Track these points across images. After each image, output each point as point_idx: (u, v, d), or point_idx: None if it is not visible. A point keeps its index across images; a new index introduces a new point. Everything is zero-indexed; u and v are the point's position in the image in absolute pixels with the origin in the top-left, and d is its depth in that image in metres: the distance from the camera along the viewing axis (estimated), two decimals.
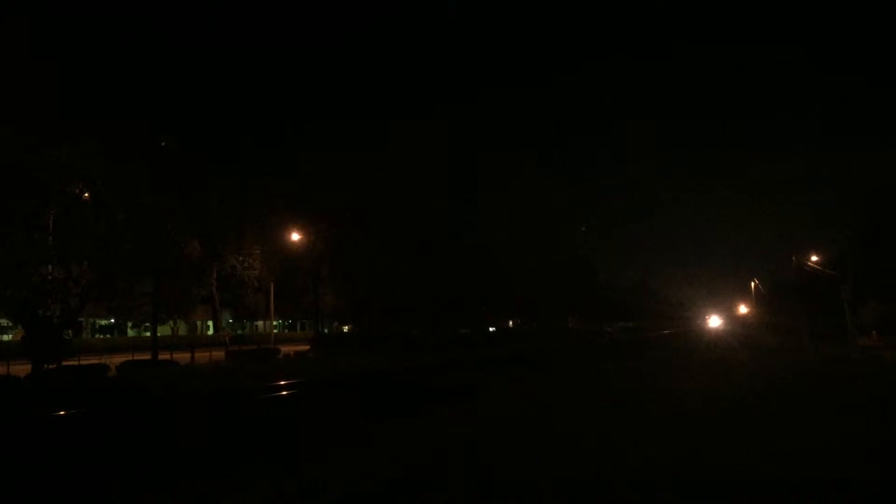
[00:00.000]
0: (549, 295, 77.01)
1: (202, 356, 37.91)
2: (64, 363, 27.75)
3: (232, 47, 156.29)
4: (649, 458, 8.82)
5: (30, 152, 25.48)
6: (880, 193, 53.31)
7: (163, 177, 35.55)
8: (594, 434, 11.01)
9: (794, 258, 58.01)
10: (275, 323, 58.36)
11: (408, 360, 32.98)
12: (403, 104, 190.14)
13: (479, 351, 41.71)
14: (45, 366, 26.55)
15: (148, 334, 43.87)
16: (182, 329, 62.63)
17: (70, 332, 30.18)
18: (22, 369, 26.82)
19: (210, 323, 64.72)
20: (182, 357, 36.31)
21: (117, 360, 31.76)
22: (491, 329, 73.74)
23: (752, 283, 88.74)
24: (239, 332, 67.26)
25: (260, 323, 70.74)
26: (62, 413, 15.41)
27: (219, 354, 39.26)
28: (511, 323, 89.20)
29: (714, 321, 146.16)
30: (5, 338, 48.55)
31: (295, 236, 46.85)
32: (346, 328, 69.27)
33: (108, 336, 59.72)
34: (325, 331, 64.93)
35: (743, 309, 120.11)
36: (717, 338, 65.89)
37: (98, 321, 61.86)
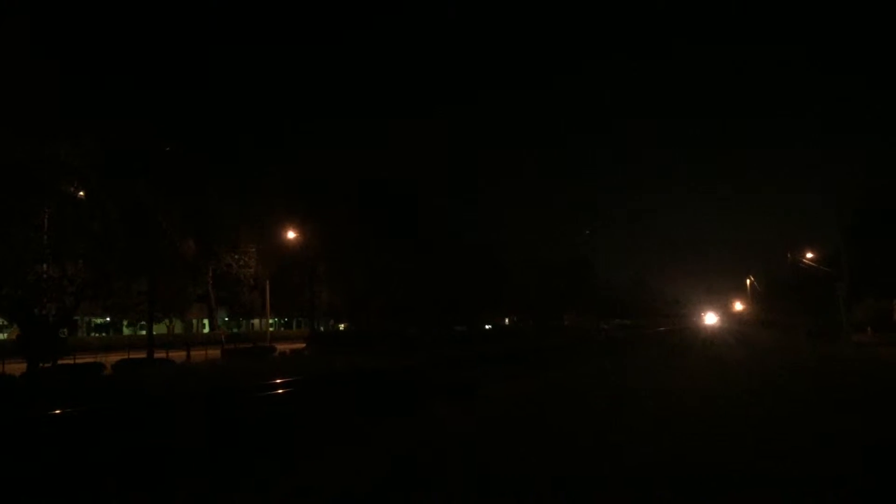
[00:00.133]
0: (547, 293, 77.04)
1: (198, 354, 37.87)
2: (59, 362, 27.70)
3: (232, 47, 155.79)
4: (646, 456, 8.82)
5: (29, 152, 25.40)
6: (876, 192, 53.58)
7: (161, 176, 35.52)
8: (591, 432, 11.01)
9: (789, 255, 58.27)
10: (271, 321, 58.32)
11: (404, 359, 32.96)
12: (403, 104, 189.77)
13: (475, 349, 41.70)
14: (41, 364, 26.48)
15: (143, 333, 43.75)
16: (178, 327, 62.48)
17: (65, 330, 30.12)
18: (17, 368, 26.75)
19: (206, 321, 64.58)
20: (178, 355, 36.29)
21: (113, 358, 31.70)
22: (487, 327, 73.74)
23: (748, 281, 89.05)
24: (235, 330, 67.18)
25: (256, 321, 70.67)
26: (58, 412, 15.35)
27: (215, 353, 39.24)
28: (507, 320, 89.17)
29: (710, 318, 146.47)
30: (0, 336, 48.42)
31: (291, 234, 46.77)
32: (341, 326, 69.24)
33: (103, 334, 59.61)
34: (321, 329, 64.90)
35: (738, 306, 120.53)
36: (713, 335, 66.05)
37: (93, 320, 61.69)
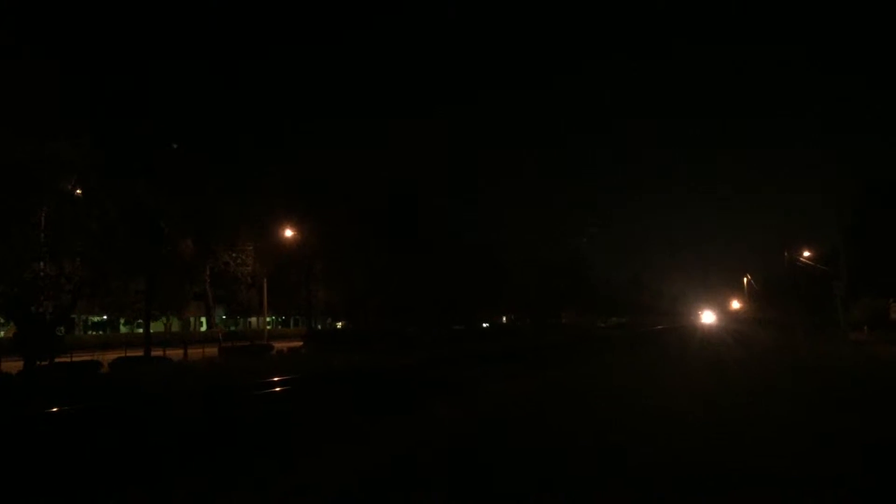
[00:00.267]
0: (546, 292, 77.07)
1: (195, 352, 37.80)
2: (56, 360, 27.63)
3: (232, 47, 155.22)
4: (646, 456, 8.80)
5: (29, 151, 25.33)
6: (874, 190, 53.69)
7: (161, 176, 35.44)
8: (590, 432, 11.00)
9: (785, 254, 58.31)
10: (268, 319, 58.17)
11: (403, 357, 32.93)
12: (403, 104, 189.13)
13: (474, 348, 41.69)
14: (38, 362, 26.42)
15: (141, 331, 43.64)
16: (175, 325, 62.35)
17: (62, 328, 30.03)
18: (14, 366, 26.67)
19: (203, 319, 64.50)
20: (175, 353, 36.19)
21: (110, 356, 31.61)
22: (484, 325, 73.74)
23: (745, 279, 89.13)
24: (232, 328, 67.08)
25: (253, 319, 70.56)
26: (55, 410, 15.32)
27: (212, 351, 39.15)
28: (504, 319, 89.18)
29: (707, 317, 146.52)
30: None
31: (290, 233, 46.70)
32: (339, 325, 69.18)
33: (100, 333, 59.44)
34: (319, 327, 64.83)
35: (735, 304, 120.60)
36: (710, 333, 66.11)
37: (90, 318, 61.56)
